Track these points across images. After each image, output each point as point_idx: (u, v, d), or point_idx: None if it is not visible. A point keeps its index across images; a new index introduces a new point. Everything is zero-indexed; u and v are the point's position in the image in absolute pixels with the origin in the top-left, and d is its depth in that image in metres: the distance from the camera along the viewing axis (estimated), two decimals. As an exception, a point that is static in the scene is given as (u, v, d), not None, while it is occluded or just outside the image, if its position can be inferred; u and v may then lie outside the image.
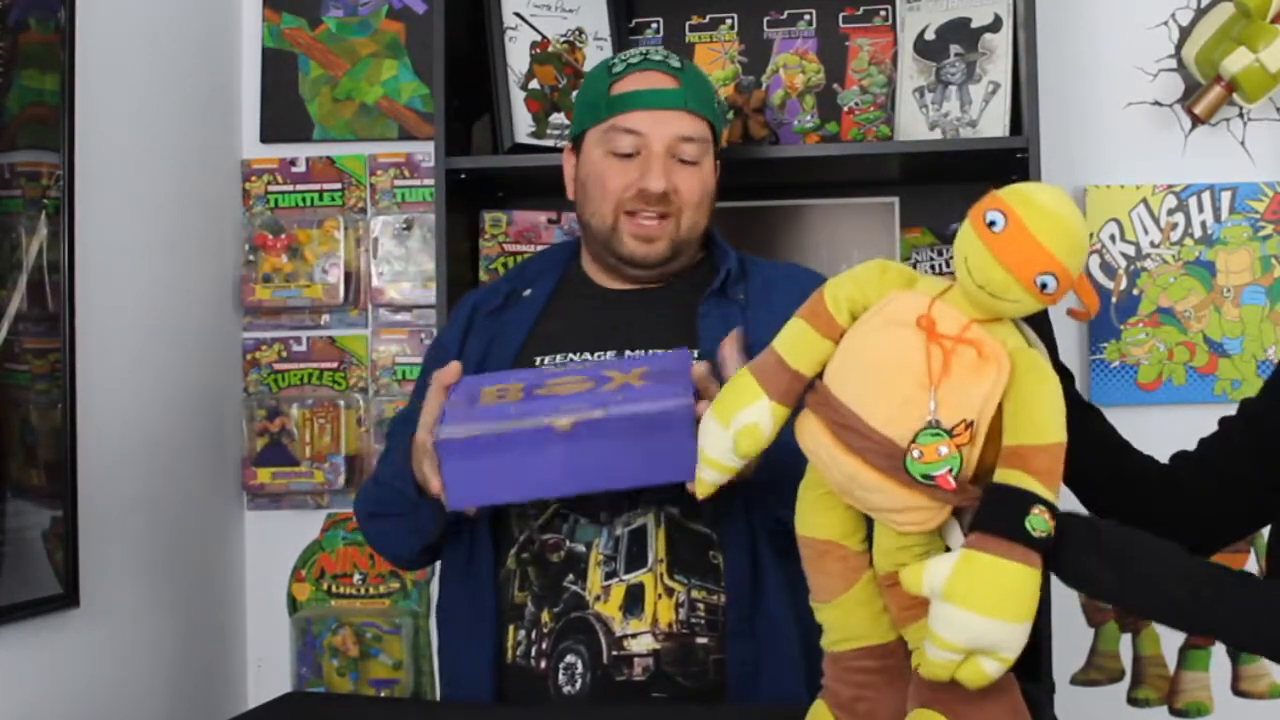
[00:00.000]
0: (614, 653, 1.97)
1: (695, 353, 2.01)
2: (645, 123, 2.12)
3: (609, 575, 2.00)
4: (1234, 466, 1.78)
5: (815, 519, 1.53)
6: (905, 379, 1.40)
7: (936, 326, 1.41)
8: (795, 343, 1.52)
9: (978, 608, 1.33)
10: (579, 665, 1.97)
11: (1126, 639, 3.02)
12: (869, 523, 1.50)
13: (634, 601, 1.98)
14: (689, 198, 2.13)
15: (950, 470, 1.38)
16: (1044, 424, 1.38)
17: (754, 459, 1.57)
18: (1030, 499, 1.35)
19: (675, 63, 2.18)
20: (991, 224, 1.38)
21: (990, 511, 1.36)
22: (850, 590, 1.52)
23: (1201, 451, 1.84)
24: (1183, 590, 1.41)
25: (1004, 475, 1.38)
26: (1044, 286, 1.38)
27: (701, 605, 1.99)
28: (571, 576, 2.01)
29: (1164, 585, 1.41)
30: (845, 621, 1.53)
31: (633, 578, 1.99)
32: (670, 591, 1.98)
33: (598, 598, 1.99)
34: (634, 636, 1.98)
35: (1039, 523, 1.34)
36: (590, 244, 2.21)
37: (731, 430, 1.52)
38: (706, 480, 1.58)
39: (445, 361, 2.18)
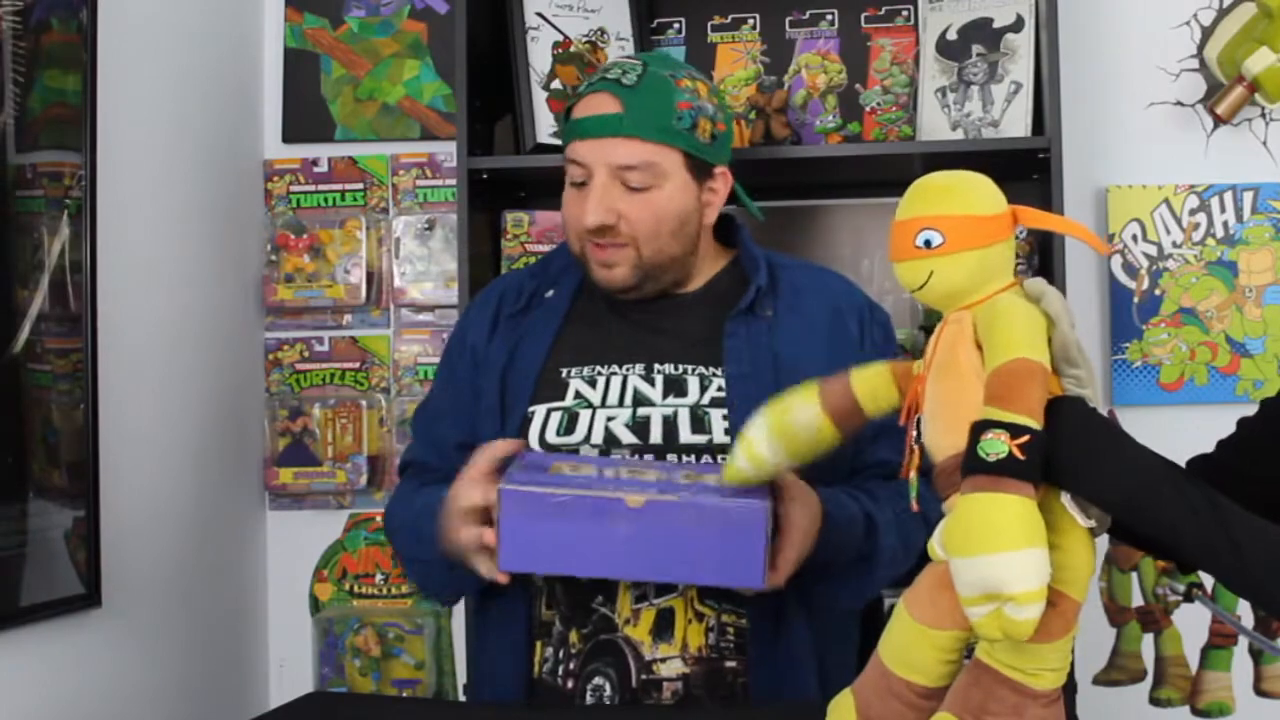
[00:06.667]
0: (643, 676, 1.93)
1: (721, 370, 2.01)
2: (586, 152, 2.00)
3: (639, 599, 1.95)
4: (1259, 467, 1.76)
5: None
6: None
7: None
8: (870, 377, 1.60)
9: (962, 550, 1.30)
10: (607, 688, 1.94)
11: (1149, 639, 3.01)
12: None
13: (664, 626, 1.94)
14: (640, 226, 2.00)
15: (914, 494, 1.46)
16: (992, 353, 1.38)
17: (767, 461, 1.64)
18: (980, 426, 1.33)
19: (629, 80, 2.00)
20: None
21: (964, 457, 1.35)
22: (940, 630, 1.44)
23: (1223, 454, 1.82)
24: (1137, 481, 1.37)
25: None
26: (927, 243, 1.45)
27: (731, 629, 1.94)
28: (601, 598, 1.96)
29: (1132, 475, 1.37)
30: (913, 647, 1.46)
31: (663, 602, 1.94)
32: (700, 616, 1.94)
33: (627, 621, 1.94)
34: (663, 661, 1.93)
35: (991, 446, 1.31)
36: None
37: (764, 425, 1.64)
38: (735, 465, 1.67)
39: (471, 362, 2.13)
